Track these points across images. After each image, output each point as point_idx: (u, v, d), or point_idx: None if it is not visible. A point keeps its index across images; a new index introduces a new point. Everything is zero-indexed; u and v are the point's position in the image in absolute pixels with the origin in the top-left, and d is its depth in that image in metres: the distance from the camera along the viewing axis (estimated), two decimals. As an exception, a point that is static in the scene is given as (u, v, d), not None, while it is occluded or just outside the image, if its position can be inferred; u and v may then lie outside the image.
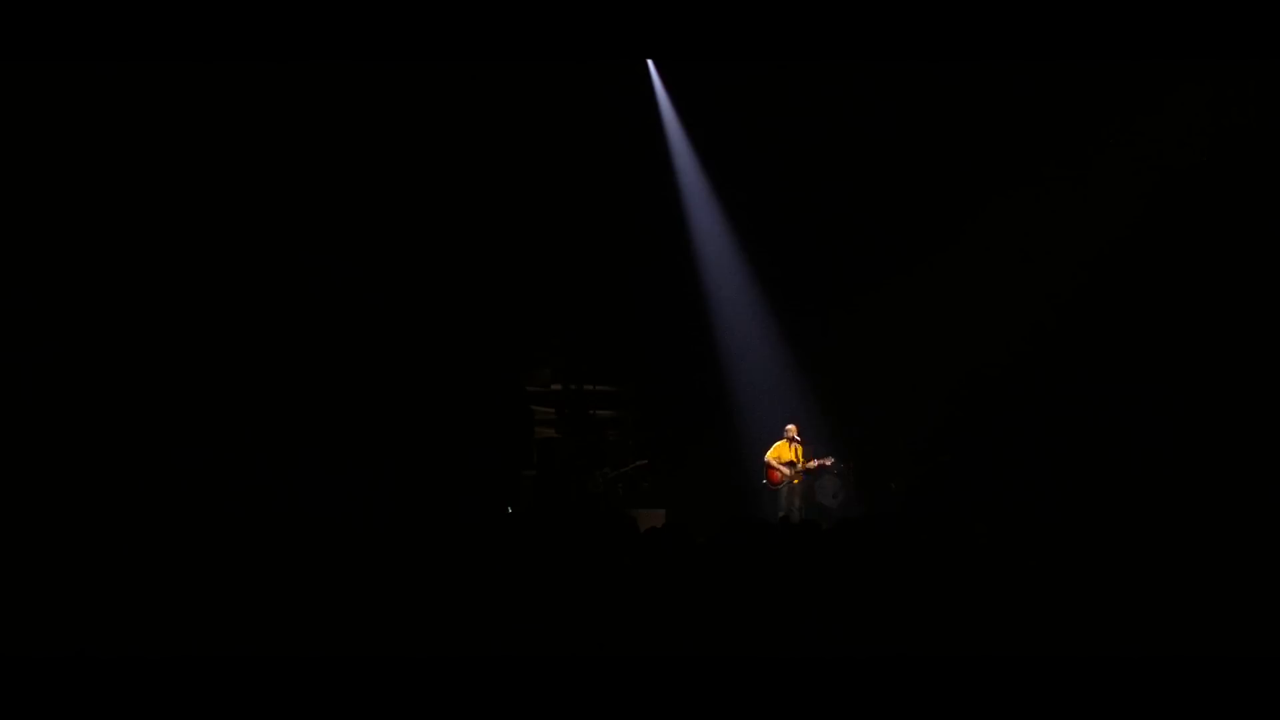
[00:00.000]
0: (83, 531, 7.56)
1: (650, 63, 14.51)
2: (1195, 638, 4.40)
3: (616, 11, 11.60)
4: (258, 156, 12.43)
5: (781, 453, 14.01)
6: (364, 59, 11.61)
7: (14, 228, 11.36)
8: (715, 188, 14.96)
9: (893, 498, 14.06)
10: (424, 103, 12.91)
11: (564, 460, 14.34)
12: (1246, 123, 11.97)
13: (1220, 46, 11.10)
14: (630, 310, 14.65)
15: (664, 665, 4.26)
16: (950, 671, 4.19)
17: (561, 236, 14.17)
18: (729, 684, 4.17)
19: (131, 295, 12.04)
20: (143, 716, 4.02)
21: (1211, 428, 11.89)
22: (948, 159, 13.60)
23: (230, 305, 12.55)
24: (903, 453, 14.38)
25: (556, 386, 14.97)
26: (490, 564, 5.74)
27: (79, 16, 10.37)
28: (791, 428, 14.05)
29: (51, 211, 11.63)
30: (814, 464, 13.99)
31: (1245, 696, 4.01)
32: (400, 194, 13.26)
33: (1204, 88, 12.17)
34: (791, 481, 13.90)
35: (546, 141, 13.63)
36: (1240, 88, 11.92)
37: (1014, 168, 13.25)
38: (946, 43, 11.74)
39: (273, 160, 12.49)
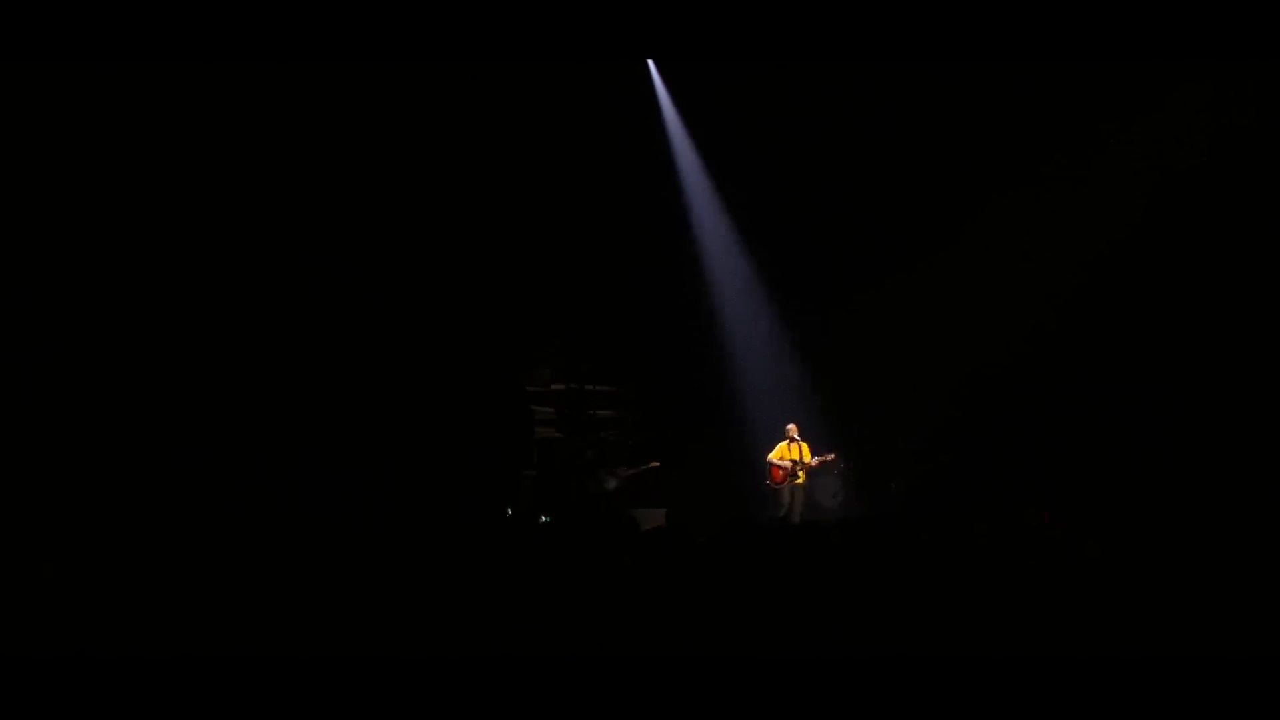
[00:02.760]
0: (83, 531, 7.56)
1: (650, 63, 14.51)
2: (1195, 638, 4.40)
3: (616, 11, 11.60)
4: (258, 156, 12.43)
5: (783, 453, 14.00)
6: (364, 59, 11.61)
7: (14, 228, 11.37)
8: (716, 187, 14.97)
9: (893, 498, 14.06)
10: (424, 103, 12.91)
11: (564, 460, 14.34)
12: (1246, 123, 11.97)
13: (1220, 46, 11.10)
14: (630, 310, 14.65)
15: (664, 665, 4.26)
16: (950, 671, 4.19)
17: (562, 236, 14.16)
18: (729, 684, 4.17)
19: (132, 295, 12.05)
20: (143, 716, 4.02)
21: (1211, 428, 11.89)
22: (948, 159, 13.60)
23: (230, 305, 12.56)
24: (903, 453, 14.39)
25: (557, 386, 14.97)
26: (490, 564, 5.74)
27: (79, 16, 10.37)
28: (791, 427, 14.04)
29: (51, 211, 11.63)
30: (815, 461, 13.98)
31: (1245, 696, 4.01)
32: (400, 194, 13.26)
33: (1204, 88, 12.17)
34: (793, 481, 13.89)
35: (548, 142, 13.63)
36: (1240, 88, 11.92)
37: (1014, 168, 13.25)
38: (946, 43, 11.74)
39: (273, 160, 12.50)
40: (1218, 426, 11.88)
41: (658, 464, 14.11)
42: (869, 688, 4.13)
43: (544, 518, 12.09)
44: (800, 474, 13.86)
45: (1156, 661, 4.18)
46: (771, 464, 14.00)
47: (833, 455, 14.02)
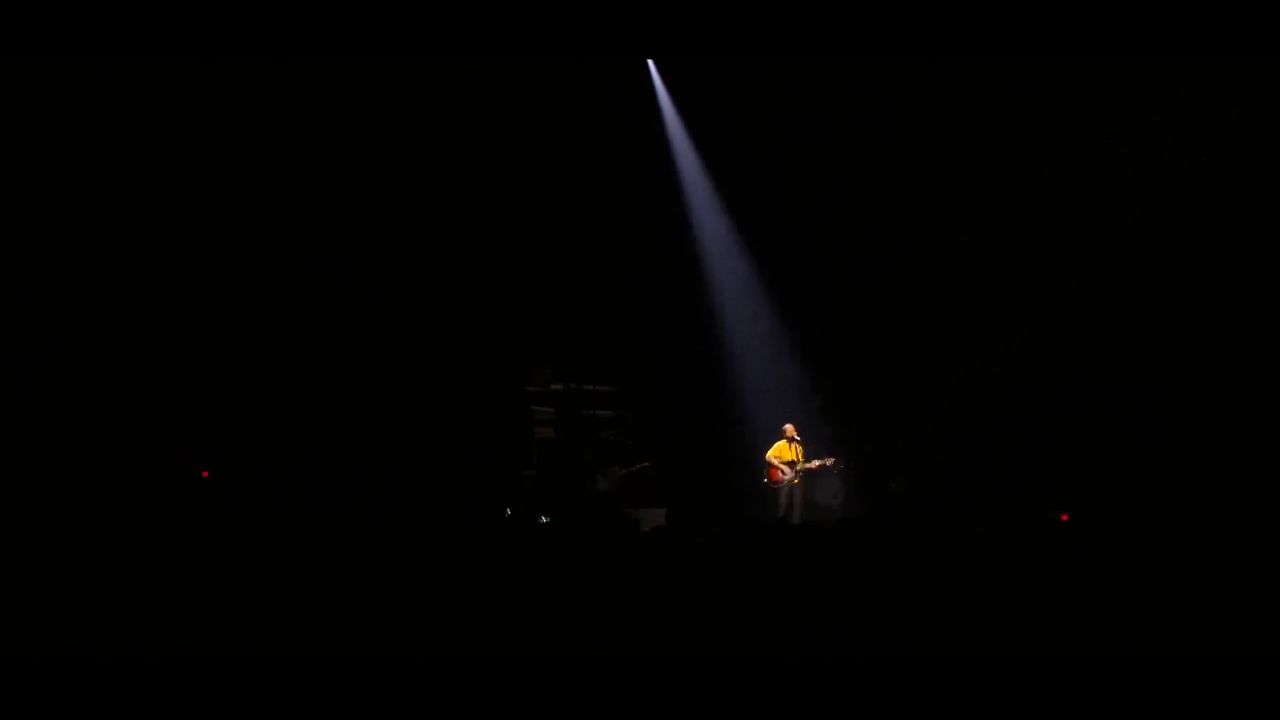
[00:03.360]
0: (83, 531, 7.56)
1: (650, 63, 14.51)
2: (1195, 638, 4.40)
3: (616, 11, 11.60)
4: (258, 156, 12.44)
5: (782, 452, 13.99)
6: (364, 59, 11.61)
7: (14, 228, 11.38)
8: (716, 187, 14.96)
9: (893, 498, 14.05)
10: (424, 103, 12.91)
11: (564, 460, 14.34)
12: (1246, 123, 11.97)
13: (1220, 46, 11.10)
14: (630, 310, 14.64)
15: (664, 665, 4.26)
16: (950, 671, 4.19)
17: (562, 236, 14.16)
18: (729, 684, 4.17)
19: (132, 295, 12.05)
20: (143, 716, 4.02)
21: (1211, 428, 11.89)
22: (948, 159, 13.59)
23: (230, 305, 12.57)
24: (903, 453, 14.37)
25: (557, 386, 14.96)
26: (490, 564, 5.74)
27: (79, 16, 10.38)
28: (789, 427, 14.03)
29: (51, 211, 11.64)
30: (815, 464, 13.97)
31: (1245, 696, 4.01)
32: (401, 194, 13.26)
33: (1204, 88, 12.17)
34: (791, 481, 13.89)
35: (548, 142, 13.63)
36: (1240, 88, 11.92)
37: (1014, 168, 13.25)
38: (946, 43, 11.74)
39: (273, 160, 12.50)
40: (1218, 426, 11.88)
41: (649, 463, 14.13)
42: (869, 688, 4.13)
43: (544, 518, 12.10)
44: (796, 478, 13.86)
45: (1157, 661, 4.18)
46: (771, 464, 14.00)
47: (831, 460, 14.02)
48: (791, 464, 13.88)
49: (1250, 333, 12.13)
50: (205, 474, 10.48)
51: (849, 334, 14.34)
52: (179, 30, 10.71)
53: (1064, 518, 7.94)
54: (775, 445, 14.05)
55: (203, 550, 6.16)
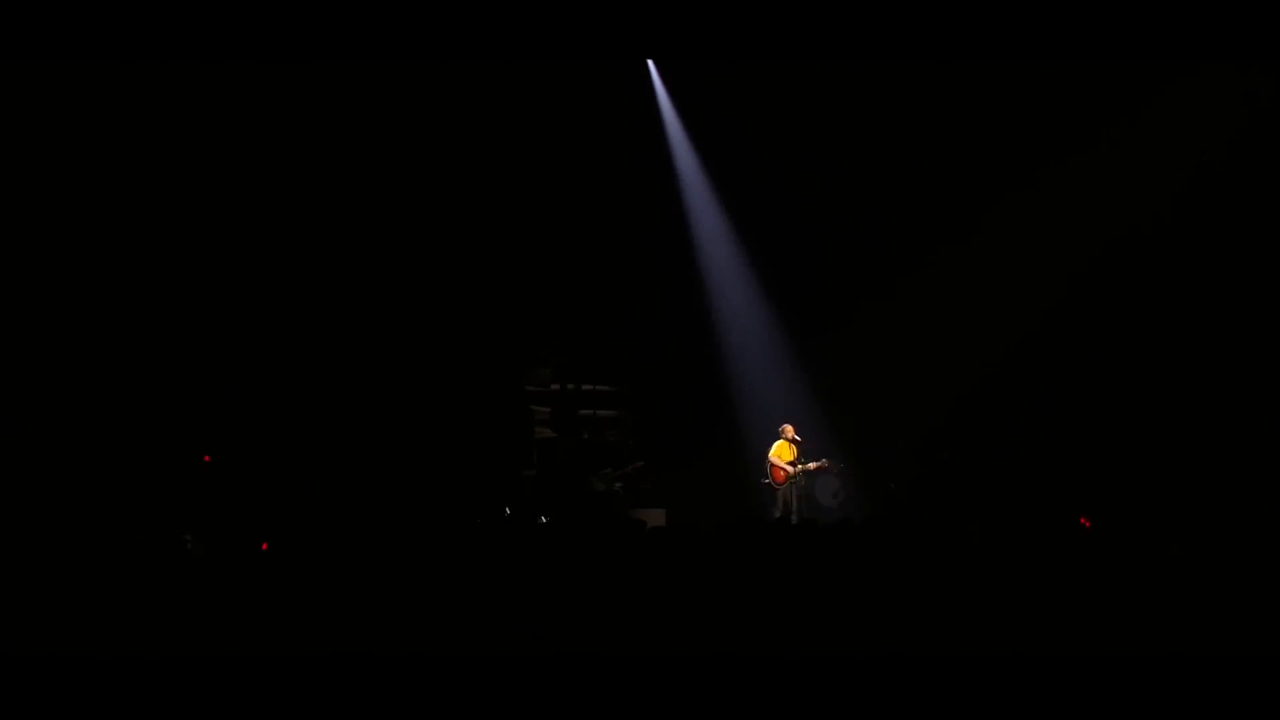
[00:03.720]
0: (82, 531, 7.57)
1: (650, 63, 14.51)
2: (1194, 638, 4.40)
3: (616, 11, 11.60)
4: (258, 157, 12.45)
5: (782, 452, 13.98)
6: (364, 59, 11.62)
7: (14, 228, 11.38)
8: (715, 187, 14.95)
9: (893, 498, 14.05)
10: (424, 103, 12.92)
11: (564, 460, 14.33)
12: (1246, 123, 11.98)
13: (1220, 46, 11.11)
14: (631, 310, 14.64)
15: (664, 665, 4.26)
16: (949, 671, 4.19)
17: (562, 237, 14.16)
18: (729, 684, 4.17)
19: (132, 296, 12.06)
20: (143, 716, 4.02)
21: (1211, 428, 11.89)
22: (948, 160, 13.59)
23: (231, 305, 12.58)
24: (903, 453, 14.37)
25: (556, 386, 14.96)
26: (490, 564, 5.74)
27: (79, 16, 10.38)
28: (788, 427, 14.02)
29: (52, 211, 11.65)
30: (813, 465, 13.96)
31: (1245, 696, 4.01)
32: (401, 194, 13.26)
33: (1204, 88, 12.17)
34: (792, 481, 13.88)
35: (547, 142, 13.63)
36: (1240, 88, 11.93)
37: (1014, 168, 13.25)
38: (946, 43, 11.74)
39: (273, 160, 12.51)
40: (1218, 427, 11.88)
41: (641, 464, 14.13)
42: (869, 688, 4.13)
43: (543, 518, 12.11)
44: (795, 477, 13.85)
45: (1156, 661, 4.18)
46: (773, 464, 13.99)
47: (828, 462, 14.01)
48: (791, 464, 13.88)
49: (1250, 333, 12.14)
50: (206, 458, 10.51)
51: (849, 334, 14.34)
52: (179, 30, 10.71)
53: (1084, 522, 7.93)
54: (775, 445, 14.04)
55: (203, 550, 6.16)
